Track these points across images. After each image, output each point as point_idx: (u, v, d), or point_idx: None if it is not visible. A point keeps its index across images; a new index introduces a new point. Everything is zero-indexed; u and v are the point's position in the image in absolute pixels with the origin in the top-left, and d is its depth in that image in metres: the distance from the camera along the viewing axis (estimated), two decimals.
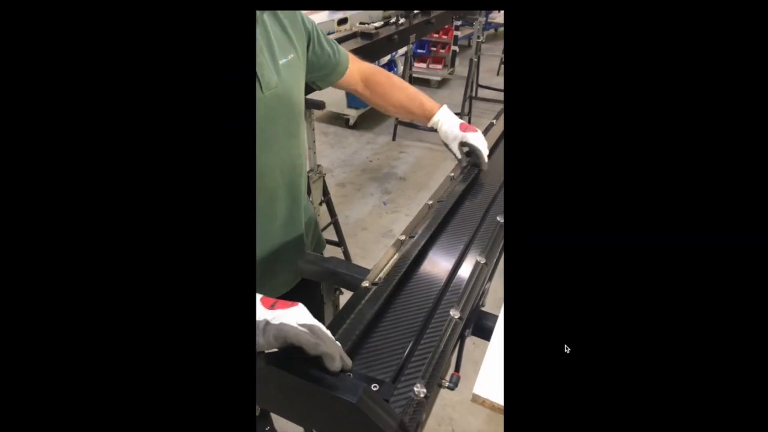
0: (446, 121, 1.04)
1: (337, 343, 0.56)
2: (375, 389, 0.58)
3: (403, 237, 0.90)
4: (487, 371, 0.63)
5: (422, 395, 0.57)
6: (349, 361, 0.56)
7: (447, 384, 0.63)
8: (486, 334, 0.76)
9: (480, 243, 0.87)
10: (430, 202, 0.97)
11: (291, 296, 0.99)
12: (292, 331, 0.50)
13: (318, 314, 1.13)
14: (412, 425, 0.54)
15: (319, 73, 0.98)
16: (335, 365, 0.53)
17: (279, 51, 0.82)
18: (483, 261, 0.81)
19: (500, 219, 0.92)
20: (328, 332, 0.56)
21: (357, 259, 2.48)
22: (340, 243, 2.28)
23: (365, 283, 0.74)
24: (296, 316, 0.54)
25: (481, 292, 0.79)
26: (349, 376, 0.59)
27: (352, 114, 3.87)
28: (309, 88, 1.01)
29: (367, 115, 4.00)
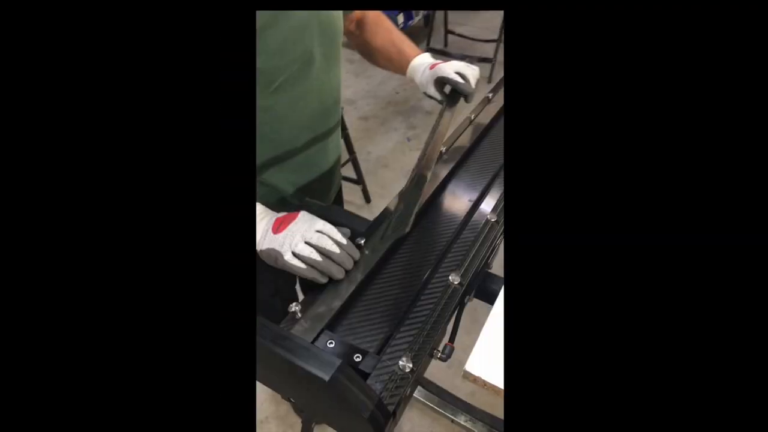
0: (419, 67, 0.89)
1: (340, 247, 0.61)
2: (357, 360, 0.54)
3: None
4: (482, 347, 0.57)
5: (407, 369, 0.53)
6: (351, 260, 0.63)
7: (439, 355, 0.59)
8: (490, 297, 0.70)
9: (493, 196, 0.78)
10: (443, 149, 0.87)
11: None
12: (294, 269, 0.60)
13: None
14: (394, 401, 0.50)
15: None
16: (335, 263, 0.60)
17: None
18: (494, 219, 0.73)
19: None
20: (331, 242, 0.61)
21: (376, 198, 2.42)
22: (359, 181, 2.21)
23: (361, 241, 0.68)
24: (301, 236, 0.60)
25: (489, 254, 0.72)
26: (330, 345, 0.56)
27: None
28: None
29: None
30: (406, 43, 0.93)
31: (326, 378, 0.46)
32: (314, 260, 0.60)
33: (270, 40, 0.66)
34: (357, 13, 0.93)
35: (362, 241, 0.68)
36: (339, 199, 1.09)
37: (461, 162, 0.86)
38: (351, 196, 2.37)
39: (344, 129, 1.98)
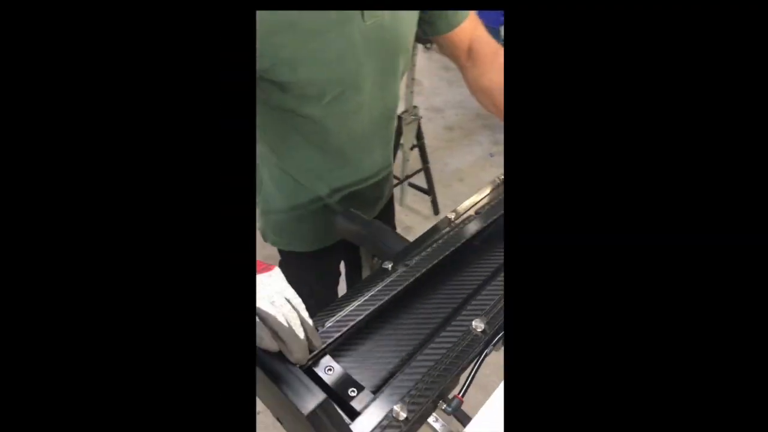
0: None
1: (301, 331, 0.49)
2: (352, 395, 0.51)
3: (452, 215, 0.77)
4: (490, 412, 0.51)
5: (401, 417, 0.48)
6: (306, 353, 0.49)
7: (444, 407, 0.54)
8: None
9: None
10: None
11: (339, 246, 0.94)
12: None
13: (356, 275, 1.07)
14: None
15: (425, 14, 0.80)
16: (291, 358, 0.47)
17: None
18: None
19: None
20: (295, 317, 0.49)
21: (445, 211, 2.35)
22: (429, 192, 2.17)
23: (387, 265, 0.65)
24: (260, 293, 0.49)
25: None
26: (329, 372, 0.53)
27: None
28: None
29: None
30: None
31: (305, 412, 0.43)
32: (280, 325, 0.47)
33: (328, 49, 0.65)
34: (466, 42, 0.84)
35: (389, 265, 0.64)
36: (389, 210, 1.06)
37: None
38: (419, 205, 2.34)
39: (420, 138, 1.95)
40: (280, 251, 0.98)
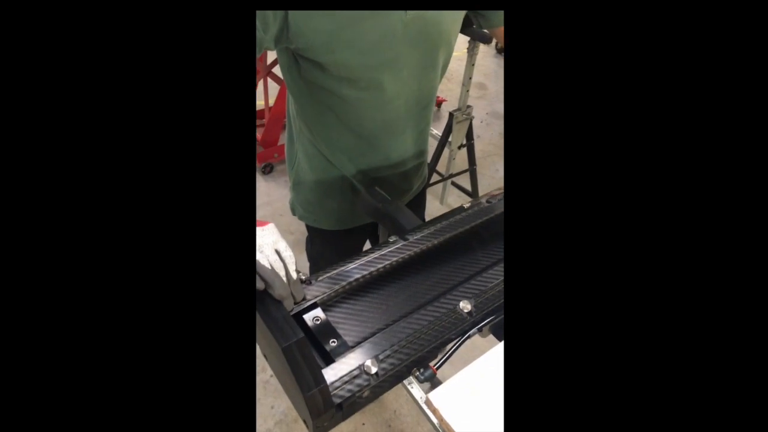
0: None
1: (286, 279, 0.54)
2: (332, 344, 0.55)
3: (467, 204, 0.79)
4: (459, 382, 0.53)
5: (371, 371, 0.52)
6: (290, 300, 0.55)
7: (416, 374, 0.56)
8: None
9: None
10: None
11: (363, 229, 0.99)
12: None
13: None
14: (343, 395, 0.50)
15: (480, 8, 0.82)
16: (275, 295, 0.53)
17: None
18: None
19: None
20: (280, 266, 0.54)
21: None
22: (473, 194, 2.16)
23: (392, 238, 0.68)
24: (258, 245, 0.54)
25: None
26: (316, 322, 0.57)
27: None
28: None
29: None
30: None
31: (281, 345, 0.48)
32: (265, 269, 0.52)
33: (365, 37, 0.66)
34: None
35: (392, 239, 0.68)
36: (418, 204, 1.07)
37: None
38: None
39: (470, 138, 1.95)
40: (308, 227, 1.03)
